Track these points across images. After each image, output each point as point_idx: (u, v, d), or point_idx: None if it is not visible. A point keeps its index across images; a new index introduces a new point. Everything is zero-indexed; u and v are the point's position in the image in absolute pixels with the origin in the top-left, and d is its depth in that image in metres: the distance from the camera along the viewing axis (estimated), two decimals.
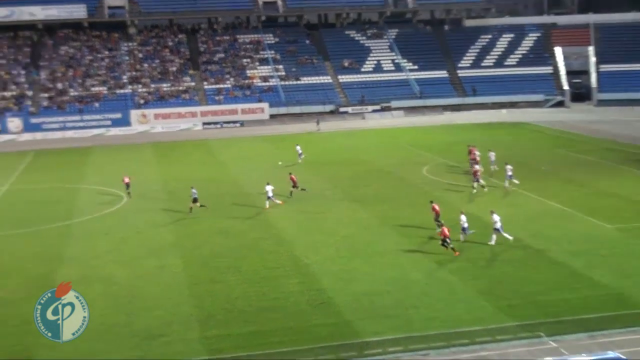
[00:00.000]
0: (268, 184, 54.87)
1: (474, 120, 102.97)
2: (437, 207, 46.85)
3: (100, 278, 39.62)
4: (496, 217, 43.20)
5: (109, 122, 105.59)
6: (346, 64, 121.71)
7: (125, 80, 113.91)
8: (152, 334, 32.22)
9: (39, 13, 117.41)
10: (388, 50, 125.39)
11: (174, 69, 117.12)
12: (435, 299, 35.15)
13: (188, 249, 44.51)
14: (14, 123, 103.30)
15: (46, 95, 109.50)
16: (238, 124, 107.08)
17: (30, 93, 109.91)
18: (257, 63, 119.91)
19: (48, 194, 58.28)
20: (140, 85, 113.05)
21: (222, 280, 38.61)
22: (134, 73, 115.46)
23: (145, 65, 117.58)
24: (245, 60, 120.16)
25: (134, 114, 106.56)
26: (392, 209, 52.67)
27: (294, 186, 57.12)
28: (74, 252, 44.71)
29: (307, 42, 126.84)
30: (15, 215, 55.46)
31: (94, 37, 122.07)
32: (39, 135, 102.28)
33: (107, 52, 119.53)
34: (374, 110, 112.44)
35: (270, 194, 53.90)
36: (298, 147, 74.49)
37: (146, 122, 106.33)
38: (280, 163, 72.40)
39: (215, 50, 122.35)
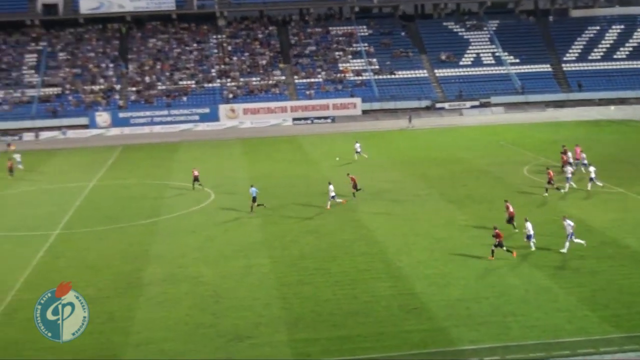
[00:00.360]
0: (330, 183, 54.39)
1: (579, 118, 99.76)
2: (511, 208, 45.72)
3: (186, 277, 39.22)
4: (569, 223, 41.09)
5: (197, 117, 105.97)
6: (443, 57, 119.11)
7: (213, 74, 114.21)
8: (238, 335, 31.60)
9: (128, 5, 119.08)
10: (488, 43, 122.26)
11: (264, 62, 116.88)
12: (535, 307, 33.56)
13: (276, 249, 43.67)
14: (102, 117, 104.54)
15: (134, 89, 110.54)
16: (329, 120, 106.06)
17: (118, 87, 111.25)
18: (349, 56, 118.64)
19: (135, 190, 58.63)
20: (229, 79, 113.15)
21: (311, 282, 37.64)
22: (222, 66, 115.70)
23: (235, 58, 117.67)
24: (337, 53, 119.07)
25: (223, 108, 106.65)
26: (489, 211, 50.68)
27: (355, 187, 55.92)
28: (161, 250, 44.43)
29: (403, 34, 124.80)
30: (102, 211, 55.67)
31: (182, 29, 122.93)
32: (126, 130, 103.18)
33: (195, 45, 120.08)
34: (473, 107, 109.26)
35: (333, 194, 53.24)
36: (357, 145, 74.09)
37: (235, 117, 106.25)
38: (337, 159, 72.26)
39: (306, 42, 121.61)
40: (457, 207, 52.42)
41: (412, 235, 45.64)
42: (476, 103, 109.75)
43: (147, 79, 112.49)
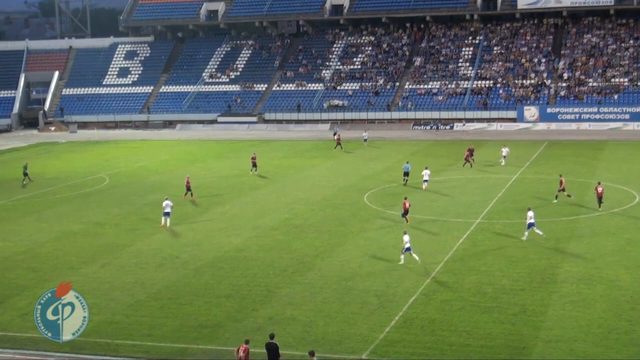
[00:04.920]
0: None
1: None
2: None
3: (602, 279, 38.37)
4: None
5: (627, 116, 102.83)
6: None
7: None
8: None
9: (565, 0, 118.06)
10: None
11: None
12: None
13: None
14: (530, 112, 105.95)
15: (564, 84, 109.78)
16: None
17: (548, 82, 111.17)
18: None
19: (556, 186, 58.08)
20: None
21: None
22: None
23: None
24: None
25: None
26: None
27: (562, 190, 55.91)
28: (578, 249, 43.81)
29: None
30: (521, 204, 54.91)
31: (619, 25, 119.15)
32: (553, 125, 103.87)
33: (632, 42, 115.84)
34: None
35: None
36: (503, 149, 74.50)
37: None
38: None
39: None
40: None
41: None
42: None
43: (578, 75, 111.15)
